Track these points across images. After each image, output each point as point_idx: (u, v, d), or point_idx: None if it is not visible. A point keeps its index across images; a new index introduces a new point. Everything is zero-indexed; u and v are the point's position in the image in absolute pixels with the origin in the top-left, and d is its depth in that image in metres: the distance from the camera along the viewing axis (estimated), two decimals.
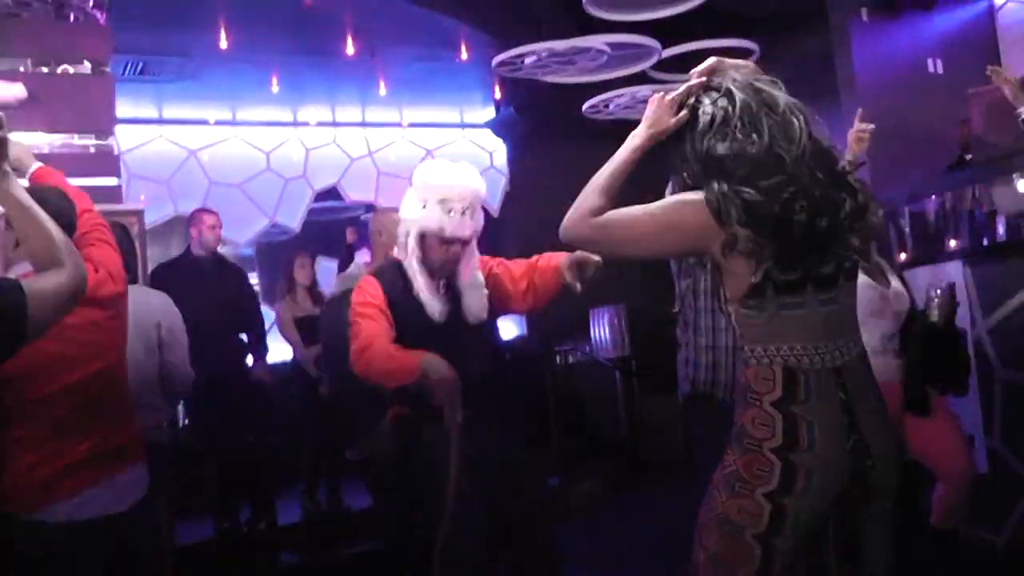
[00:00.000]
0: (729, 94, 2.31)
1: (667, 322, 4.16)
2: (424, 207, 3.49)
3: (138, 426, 3.14)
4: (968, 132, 7.57)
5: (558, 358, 9.18)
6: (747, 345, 2.28)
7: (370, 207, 11.24)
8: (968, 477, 4.14)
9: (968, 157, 7.61)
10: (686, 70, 2.47)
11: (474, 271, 3.63)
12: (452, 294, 3.60)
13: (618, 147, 2.44)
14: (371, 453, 4.24)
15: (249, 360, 6.57)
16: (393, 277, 3.60)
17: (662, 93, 2.42)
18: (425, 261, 3.53)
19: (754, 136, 2.22)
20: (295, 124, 11.22)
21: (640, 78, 7.64)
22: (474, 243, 3.63)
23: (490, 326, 3.77)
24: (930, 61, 8.96)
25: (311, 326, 6.55)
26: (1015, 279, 4.98)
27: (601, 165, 2.42)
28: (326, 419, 6.42)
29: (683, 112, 2.35)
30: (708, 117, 2.30)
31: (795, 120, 2.26)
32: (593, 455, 8.57)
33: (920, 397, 4.11)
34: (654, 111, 2.40)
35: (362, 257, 7.94)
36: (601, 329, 8.40)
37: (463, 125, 11.88)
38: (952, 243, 6.97)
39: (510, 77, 7.93)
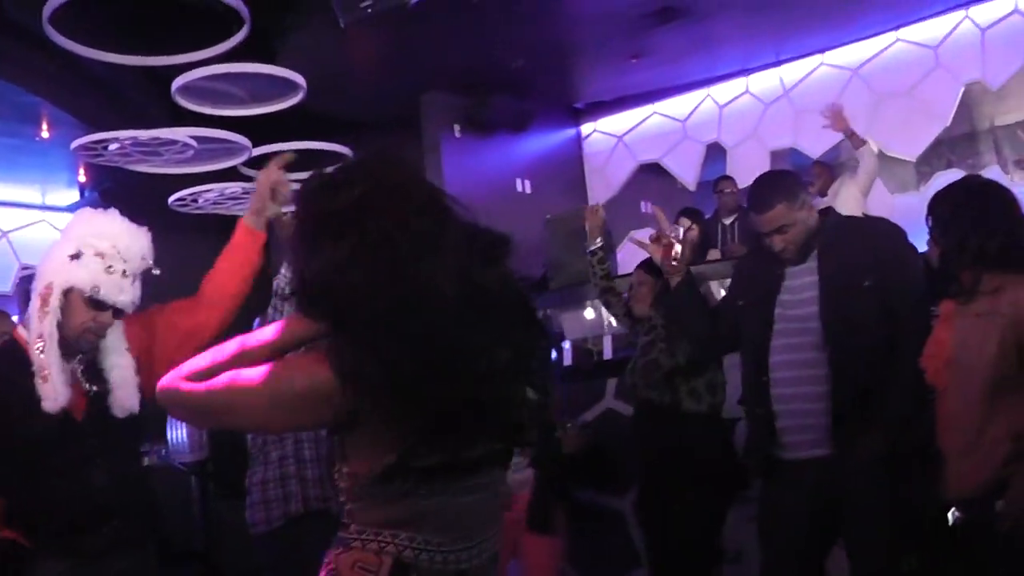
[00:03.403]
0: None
1: None
2: (76, 259, 2.77)
3: None
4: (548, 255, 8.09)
5: None
6: (354, 524, 1.79)
7: None
8: None
9: (550, 280, 8.11)
10: None
11: (124, 351, 2.91)
12: (94, 379, 2.87)
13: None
14: None
15: None
16: (3, 354, 2.87)
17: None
18: (61, 328, 2.76)
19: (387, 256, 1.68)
20: None
21: (231, 174, 7.53)
22: (121, 324, 2.92)
23: (141, 422, 2.98)
24: (519, 181, 9.56)
25: None
26: (581, 401, 5.29)
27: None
28: None
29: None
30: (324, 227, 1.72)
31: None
32: (167, 563, 8.11)
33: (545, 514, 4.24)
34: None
35: None
36: (179, 430, 8.03)
37: (44, 207, 11.23)
38: None
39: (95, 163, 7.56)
